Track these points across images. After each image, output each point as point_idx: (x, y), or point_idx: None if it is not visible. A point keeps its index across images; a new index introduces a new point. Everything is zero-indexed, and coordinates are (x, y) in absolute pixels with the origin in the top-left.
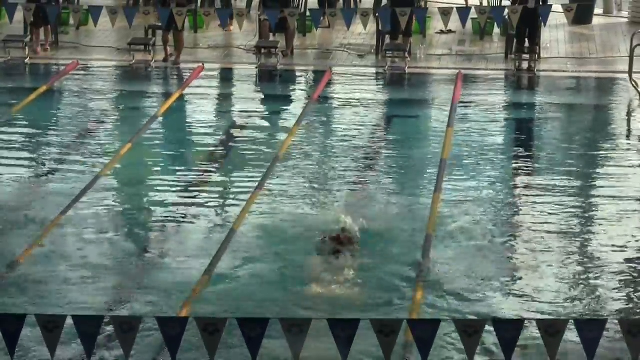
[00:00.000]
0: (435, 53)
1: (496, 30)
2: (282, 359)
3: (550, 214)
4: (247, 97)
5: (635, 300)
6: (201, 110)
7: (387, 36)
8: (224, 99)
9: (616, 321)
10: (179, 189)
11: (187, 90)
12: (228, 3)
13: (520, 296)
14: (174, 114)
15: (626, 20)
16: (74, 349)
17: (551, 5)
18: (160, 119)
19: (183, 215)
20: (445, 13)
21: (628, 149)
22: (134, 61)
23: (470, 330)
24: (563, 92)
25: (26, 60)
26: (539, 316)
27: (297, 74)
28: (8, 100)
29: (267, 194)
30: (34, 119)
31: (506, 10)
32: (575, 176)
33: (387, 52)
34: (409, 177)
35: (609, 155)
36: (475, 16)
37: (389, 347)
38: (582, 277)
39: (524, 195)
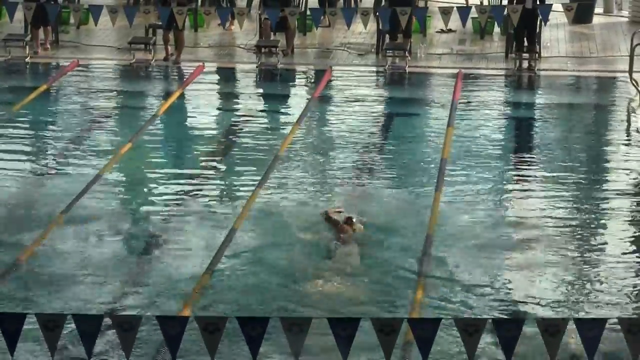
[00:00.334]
0: (436, 52)
1: (496, 29)
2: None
3: (551, 212)
4: (247, 96)
5: (636, 298)
6: (201, 110)
7: (387, 35)
8: (225, 98)
9: (616, 320)
10: (179, 187)
11: (187, 89)
12: (232, 2)
13: (521, 295)
14: (174, 113)
15: (626, 19)
16: (74, 348)
17: (551, 5)
18: (161, 118)
19: (184, 214)
20: (446, 12)
21: (628, 148)
22: (134, 60)
23: (470, 330)
24: (563, 91)
25: (26, 60)
26: (540, 315)
27: (298, 73)
28: (8, 99)
29: (267, 192)
30: (34, 118)
31: (506, 10)
32: (575, 175)
33: (388, 51)
34: (410, 176)
35: (609, 154)
36: (476, 15)
37: (389, 346)
38: (583, 275)
39: (524, 193)
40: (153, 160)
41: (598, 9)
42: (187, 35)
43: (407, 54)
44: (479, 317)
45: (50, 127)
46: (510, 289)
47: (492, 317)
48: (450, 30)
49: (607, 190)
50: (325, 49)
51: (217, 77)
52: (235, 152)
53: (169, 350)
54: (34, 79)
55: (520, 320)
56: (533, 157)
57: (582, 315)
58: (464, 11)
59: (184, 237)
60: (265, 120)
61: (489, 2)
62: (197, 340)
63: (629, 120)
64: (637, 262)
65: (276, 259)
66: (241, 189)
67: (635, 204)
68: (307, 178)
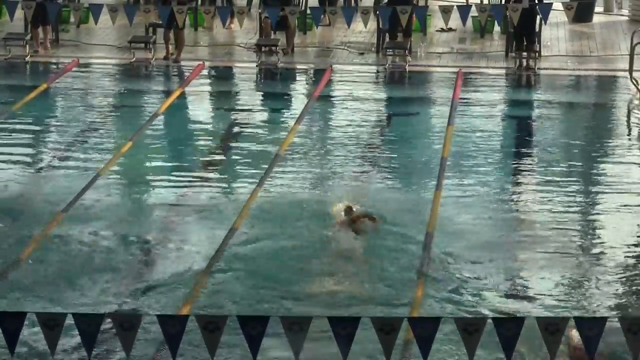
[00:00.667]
0: (436, 51)
1: (496, 28)
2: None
3: (551, 210)
4: (247, 95)
5: (637, 297)
6: (202, 108)
7: (387, 34)
8: (225, 96)
9: (617, 319)
10: (179, 186)
11: (187, 88)
12: (230, 1)
13: (521, 293)
14: (174, 112)
15: (626, 18)
16: (74, 346)
17: (551, 4)
18: (161, 116)
19: (184, 212)
20: (446, 11)
21: (628, 147)
22: (134, 59)
23: (470, 329)
24: (563, 90)
25: (26, 58)
26: (540, 313)
27: (298, 72)
28: (8, 98)
29: (268, 191)
30: (34, 117)
31: (506, 9)
32: (575, 173)
33: (388, 50)
34: (410, 175)
35: (609, 152)
36: (476, 14)
37: (390, 345)
38: (583, 274)
39: (524, 192)
40: (153, 158)
41: (598, 8)
42: (187, 34)
43: (407, 52)
44: (479, 316)
45: (50, 126)
46: (510, 288)
47: (492, 316)
48: (450, 29)
49: (607, 188)
50: (326, 48)
51: (217, 76)
52: (235, 151)
53: (169, 349)
54: (34, 78)
55: (520, 319)
56: (533, 156)
57: (582, 313)
58: (464, 10)
59: (184, 235)
60: (266, 119)
61: (489, 0)
62: (198, 339)
63: (629, 119)
64: (638, 261)
65: (277, 257)
66: (241, 187)
67: (635, 202)
68: (307, 177)
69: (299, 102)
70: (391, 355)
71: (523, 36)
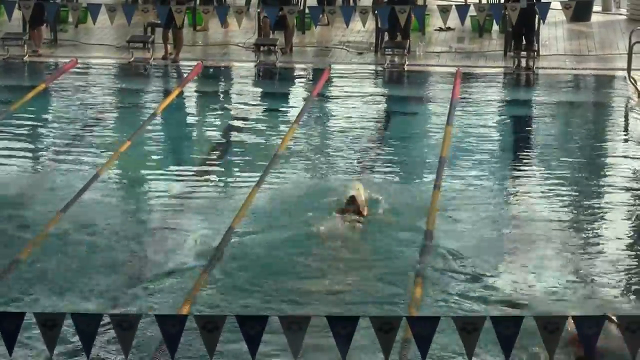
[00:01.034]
0: (434, 50)
1: (495, 27)
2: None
3: (549, 209)
4: (246, 95)
5: (635, 295)
6: (200, 108)
7: (386, 33)
8: (223, 96)
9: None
10: (178, 185)
11: (186, 88)
12: (221, 1)
13: (520, 291)
14: (173, 112)
15: (625, 17)
16: (73, 346)
17: (549, 3)
18: (160, 116)
19: (182, 212)
20: (444, 10)
21: (626, 145)
22: (133, 59)
23: (469, 327)
24: (562, 90)
25: (25, 58)
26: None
27: (296, 71)
28: (7, 98)
29: (266, 190)
30: (32, 117)
31: (505, 8)
32: (574, 172)
33: (386, 50)
34: (409, 174)
35: (607, 151)
36: (474, 13)
37: (389, 344)
38: (582, 272)
39: (523, 190)
40: (152, 158)
41: (596, 7)
42: (185, 33)
43: (405, 52)
44: (477, 314)
45: (49, 125)
46: (509, 286)
47: (491, 314)
48: (449, 29)
49: (605, 187)
50: (324, 48)
51: (215, 75)
52: (234, 150)
53: (168, 349)
54: (32, 78)
55: (518, 317)
56: (531, 155)
57: (581, 312)
58: (462, 9)
59: (183, 234)
60: (264, 119)
61: (487, 0)
62: (196, 338)
63: (627, 118)
64: (637, 259)
65: (275, 256)
66: (240, 187)
67: (633, 200)
68: (306, 176)
69: (297, 101)
70: (390, 354)
71: (522, 35)
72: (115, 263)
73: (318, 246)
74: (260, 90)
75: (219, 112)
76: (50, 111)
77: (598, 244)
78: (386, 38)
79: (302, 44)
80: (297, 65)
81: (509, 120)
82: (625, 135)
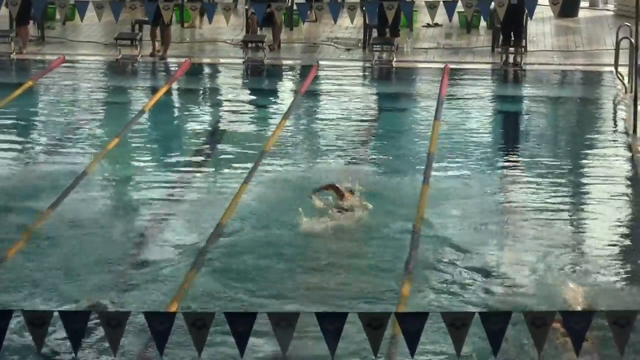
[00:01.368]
0: (422, 46)
1: (482, 23)
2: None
3: (538, 203)
4: (234, 91)
5: (624, 290)
6: (188, 105)
7: (374, 30)
8: (211, 93)
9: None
10: (166, 182)
11: (174, 85)
12: None
13: (509, 287)
14: (161, 109)
15: (612, 13)
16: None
17: None
18: (148, 113)
19: (170, 209)
20: (432, 6)
21: (614, 141)
22: (120, 56)
23: (458, 323)
24: (549, 85)
25: (12, 56)
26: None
27: (284, 68)
28: None
29: (255, 187)
30: (19, 115)
31: (492, 4)
32: (561, 167)
33: (374, 46)
34: (397, 170)
35: (594, 146)
36: (462, 9)
37: (377, 340)
38: (571, 266)
39: (511, 185)
40: (140, 155)
41: (584, 3)
42: (173, 30)
43: (393, 48)
44: (466, 310)
45: (36, 123)
46: (498, 282)
47: (480, 310)
48: (436, 25)
49: (593, 181)
50: (312, 44)
51: (203, 72)
52: (222, 147)
53: (157, 346)
54: (19, 75)
55: (507, 313)
56: (519, 150)
57: (569, 307)
58: (450, 5)
59: (171, 231)
60: (252, 116)
61: None
62: (185, 336)
63: (614, 113)
64: (626, 252)
65: (263, 253)
66: (228, 183)
67: (621, 194)
68: (294, 172)
69: (285, 98)
70: (378, 351)
71: (509, 31)
72: (103, 260)
73: (306, 242)
74: (248, 86)
75: (207, 109)
76: (38, 109)
77: (587, 237)
78: (374, 34)
79: (290, 40)
80: (285, 62)
81: (496, 116)
82: (612, 130)
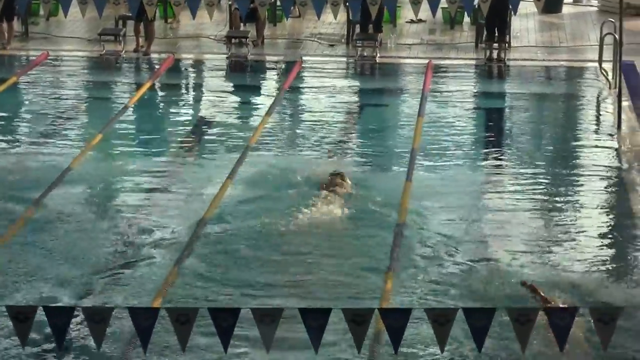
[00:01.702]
0: (406, 42)
1: (466, 19)
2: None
3: (522, 198)
4: (217, 87)
5: (608, 285)
6: (171, 101)
7: (358, 26)
8: (195, 89)
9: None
10: (149, 178)
11: (157, 81)
12: None
13: (493, 283)
14: (144, 104)
15: (596, 9)
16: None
17: None
18: (131, 109)
19: (153, 205)
20: (416, 2)
21: (598, 136)
22: (104, 52)
23: (441, 319)
24: (533, 81)
25: None
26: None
27: (268, 63)
28: None
29: (238, 183)
30: (3, 110)
31: (476, 0)
32: (545, 162)
33: (358, 42)
34: (380, 166)
35: (578, 141)
36: (446, 5)
37: (361, 335)
38: (556, 262)
39: (494, 181)
40: (123, 150)
41: None
42: (157, 26)
43: (377, 44)
44: (450, 306)
45: (20, 119)
46: (482, 278)
47: (463, 306)
48: (420, 21)
49: (577, 177)
50: (296, 40)
51: (187, 68)
52: (206, 142)
53: (141, 342)
54: (3, 71)
55: (491, 309)
56: (503, 146)
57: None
58: (433, 1)
59: (154, 226)
60: (236, 111)
61: None
62: (169, 331)
63: (598, 109)
64: (611, 247)
65: (248, 247)
66: (212, 178)
67: (605, 189)
68: (278, 167)
69: (269, 93)
70: (362, 346)
71: (493, 27)
72: (87, 255)
73: (290, 238)
74: (231, 82)
75: (191, 105)
76: (22, 104)
77: (572, 233)
78: (357, 30)
79: (273, 36)
80: (268, 58)
81: (480, 112)
82: (596, 125)
